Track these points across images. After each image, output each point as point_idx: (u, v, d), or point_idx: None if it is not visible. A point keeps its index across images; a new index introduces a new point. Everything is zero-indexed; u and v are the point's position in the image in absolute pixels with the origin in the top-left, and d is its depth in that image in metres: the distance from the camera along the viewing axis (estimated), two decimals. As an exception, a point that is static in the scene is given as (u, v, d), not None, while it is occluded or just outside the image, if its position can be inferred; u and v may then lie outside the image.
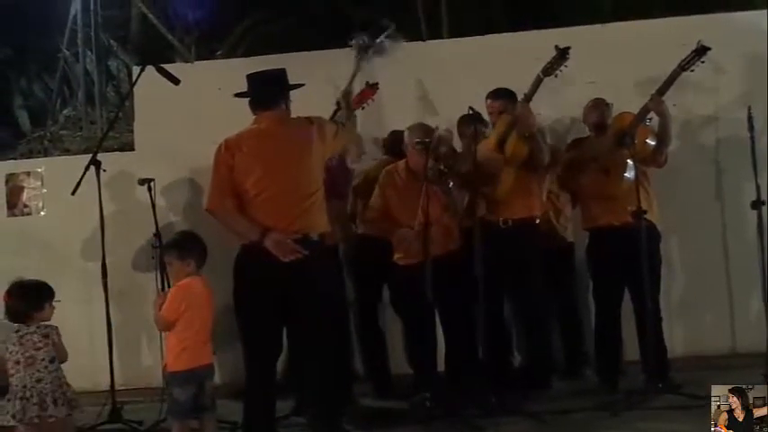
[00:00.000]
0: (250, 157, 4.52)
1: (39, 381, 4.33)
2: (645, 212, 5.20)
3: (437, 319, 5.56)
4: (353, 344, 6.20)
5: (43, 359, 4.37)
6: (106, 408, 5.36)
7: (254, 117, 4.69)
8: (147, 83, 5.55)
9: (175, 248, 4.63)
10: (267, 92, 4.67)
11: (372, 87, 5.78)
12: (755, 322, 5.44)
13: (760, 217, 5.24)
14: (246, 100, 4.72)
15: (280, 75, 4.75)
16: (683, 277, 6.50)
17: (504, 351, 5.84)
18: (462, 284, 5.35)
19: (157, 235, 5.53)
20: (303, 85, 4.82)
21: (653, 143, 5.52)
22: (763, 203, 5.25)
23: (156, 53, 6.07)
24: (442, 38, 7.65)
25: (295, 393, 5.04)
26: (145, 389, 6.32)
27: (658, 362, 5.30)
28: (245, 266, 4.51)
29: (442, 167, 5.45)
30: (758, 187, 5.22)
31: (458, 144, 6.01)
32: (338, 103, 5.42)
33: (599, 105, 5.80)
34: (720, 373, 5.70)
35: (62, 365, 4.45)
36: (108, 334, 5.52)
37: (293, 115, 4.75)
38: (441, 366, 5.62)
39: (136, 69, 6.12)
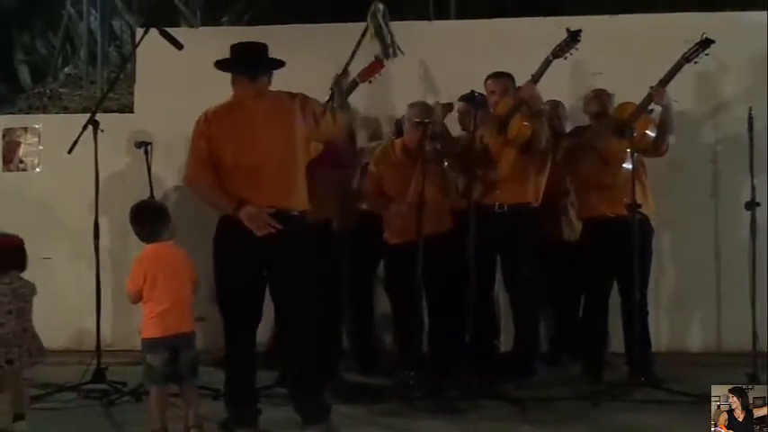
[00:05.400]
0: (227, 129, 4.48)
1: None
2: (639, 206, 5.19)
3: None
4: (342, 319, 6.21)
5: None
6: (91, 367, 5.36)
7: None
8: (150, 45, 5.52)
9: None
10: (248, 65, 4.60)
11: (381, 61, 5.63)
12: (742, 322, 5.45)
13: (753, 218, 5.24)
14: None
15: (261, 49, 4.68)
16: (673, 273, 6.53)
17: (490, 336, 5.85)
18: (452, 267, 5.36)
19: (152, 198, 5.53)
20: (284, 63, 4.69)
21: (653, 134, 5.52)
22: (757, 204, 5.25)
23: (160, 16, 6.02)
24: (450, 18, 7.59)
25: (279, 364, 5.05)
26: (131, 351, 6.32)
27: (642, 355, 5.31)
28: (223, 237, 4.50)
29: (438, 146, 5.43)
30: (753, 188, 5.22)
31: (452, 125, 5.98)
32: (332, 89, 5.20)
33: (600, 96, 5.79)
34: (704, 370, 5.75)
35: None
36: (96, 295, 5.51)
37: (292, 89, 4.70)
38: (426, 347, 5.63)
39: (139, 31, 6.09)
